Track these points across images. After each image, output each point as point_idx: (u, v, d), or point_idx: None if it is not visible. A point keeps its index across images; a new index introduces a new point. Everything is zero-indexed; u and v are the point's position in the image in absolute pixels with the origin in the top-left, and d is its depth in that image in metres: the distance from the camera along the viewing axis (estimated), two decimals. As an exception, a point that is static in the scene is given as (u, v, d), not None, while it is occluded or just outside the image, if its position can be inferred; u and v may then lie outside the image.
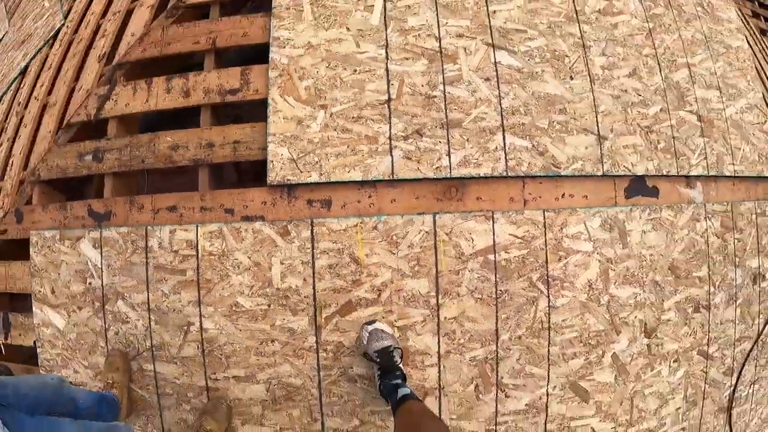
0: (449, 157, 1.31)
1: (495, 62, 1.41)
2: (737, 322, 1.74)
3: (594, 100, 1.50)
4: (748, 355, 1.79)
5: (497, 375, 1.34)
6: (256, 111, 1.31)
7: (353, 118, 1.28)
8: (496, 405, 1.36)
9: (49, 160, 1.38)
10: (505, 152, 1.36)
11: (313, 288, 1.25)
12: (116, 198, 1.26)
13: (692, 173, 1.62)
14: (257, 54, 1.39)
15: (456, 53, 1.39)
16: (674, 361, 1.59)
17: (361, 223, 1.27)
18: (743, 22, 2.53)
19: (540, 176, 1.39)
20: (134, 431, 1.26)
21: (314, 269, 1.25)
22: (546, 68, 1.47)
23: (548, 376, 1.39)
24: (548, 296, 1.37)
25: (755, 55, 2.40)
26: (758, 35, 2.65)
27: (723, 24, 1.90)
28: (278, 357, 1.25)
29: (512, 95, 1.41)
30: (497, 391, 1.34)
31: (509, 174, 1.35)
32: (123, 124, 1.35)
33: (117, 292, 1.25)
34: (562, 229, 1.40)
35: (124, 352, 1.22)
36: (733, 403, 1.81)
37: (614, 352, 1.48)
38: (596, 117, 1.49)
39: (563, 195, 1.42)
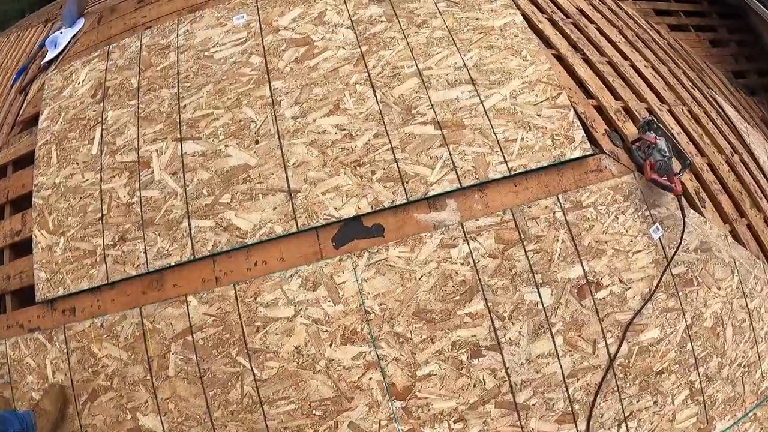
0: (146, 254, 1.46)
1: (182, 154, 1.53)
2: (560, 353, 1.32)
3: (283, 155, 1.45)
4: (599, 388, 1.31)
5: (219, 452, 1.36)
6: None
7: (80, 238, 1.57)
8: (230, 481, 1.36)
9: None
10: (191, 237, 1.44)
11: (71, 380, 1.53)
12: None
13: (433, 192, 1.37)
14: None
15: (150, 158, 1.57)
16: (456, 421, 1.30)
17: (92, 324, 1.51)
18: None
19: (227, 251, 1.41)
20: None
21: (69, 365, 1.53)
22: (230, 142, 1.51)
23: (274, 452, 1.33)
24: (252, 370, 1.34)
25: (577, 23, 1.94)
26: None
27: (480, 8, 1.58)
28: (60, 443, 1.55)
29: (196, 181, 1.50)
30: (225, 468, 1.36)
31: (196, 257, 1.42)
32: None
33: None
34: (255, 298, 1.38)
35: (64, 388, 1.56)
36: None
37: (351, 421, 1.32)
38: (285, 172, 1.43)
39: (255, 264, 1.40)
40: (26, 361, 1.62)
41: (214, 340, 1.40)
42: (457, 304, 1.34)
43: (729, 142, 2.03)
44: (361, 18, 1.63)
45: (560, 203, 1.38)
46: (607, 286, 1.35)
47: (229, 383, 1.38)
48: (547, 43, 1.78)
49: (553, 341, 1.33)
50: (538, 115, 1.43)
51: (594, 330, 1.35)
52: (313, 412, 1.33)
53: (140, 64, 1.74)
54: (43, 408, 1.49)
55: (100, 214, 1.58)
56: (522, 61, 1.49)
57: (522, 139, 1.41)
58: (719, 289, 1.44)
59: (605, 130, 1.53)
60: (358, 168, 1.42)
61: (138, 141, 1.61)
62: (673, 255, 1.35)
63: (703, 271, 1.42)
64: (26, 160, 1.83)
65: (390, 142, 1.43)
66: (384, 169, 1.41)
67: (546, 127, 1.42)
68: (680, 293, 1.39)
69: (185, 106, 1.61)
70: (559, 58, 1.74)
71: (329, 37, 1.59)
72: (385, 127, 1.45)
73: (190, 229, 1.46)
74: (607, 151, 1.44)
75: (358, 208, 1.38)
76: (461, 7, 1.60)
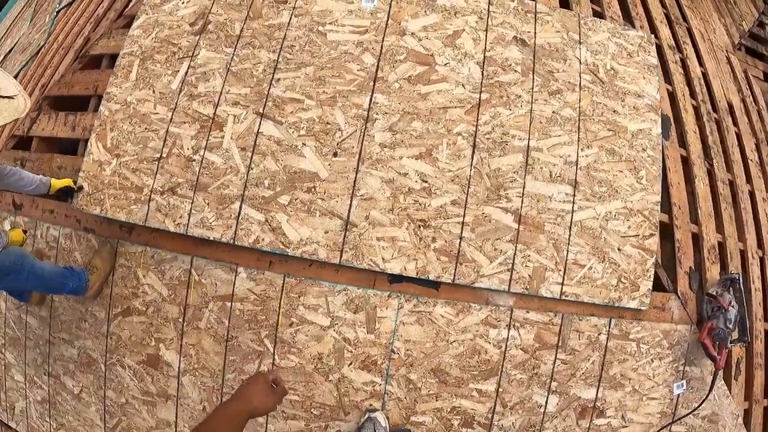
0: (189, 217, 1.49)
1: (257, 132, 1.44)
2: (535, 453, 1.53)
3: (355, 181, 1.39)
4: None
5: (222, 402, 1.61)
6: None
7: (132, 168, 1.57)
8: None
9: None
10: (237, 221, 1.45)
11: (111, 290, 1.70)
12: (26, 196, 1.90)
13: (479, 285, 1.38)
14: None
15: (225, 121, 1.48)
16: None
17: (144, 251, 1.61)
18: (742, 83, 1.63)
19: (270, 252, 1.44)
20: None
21: (113, 276, 1.69)
22: (309, 141, 1.43)
23: (266, 426, 1.57)
24: (273, 354, 1.51)
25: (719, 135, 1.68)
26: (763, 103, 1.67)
27: (624, 98, 1.36)
28: (86, 333, 1.78)
29: (261, 167, 1.45)
30: (223, 414, 1.63)
31: (236, 243, 1.46)
32: (43, 142, 1.94)
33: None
34: (299, 297, 1.48)
35: (114, 245, 1.68)
36: None
37: (339, 430, 1.55)
38: (350, 200, 1.39)
39: (311, 264, 1.47)
40: (75, 255, 1.77)
41: (249, 316, 1.53)
42: (473, 377, 1.44)
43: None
44: (495, 57, 1.40)
45: (609, 327, 1.40)
46: (608, 417, 1.45)
47: (249, 357, 1.56)
48: (682, 139, 1.60)
49: (534, 441, 1.49)
50: (619, 250, 1.36)
51: (572, 446, 1.51)
52: (312, 410, 1.53)
53: (250, 9, 1.50)
54: (95, 265, 1.60)
55: (159, 155, 1.55)
56: (635, 182, 1.35)
57: (590, 268, 1.37)
58: (701, 459, 1.54)
59: (690, 268, 1.47)
60: (422, 228, 1.39)
61: (219, 96, 1.50)
62: (680, 418, 1.42)
63: (698, 438, 1.51)
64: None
65: (463, 216, 1.38)
66: (446, 241, 1.38)
67: (619, 265, 1.36)
68: (665, 448, 1.50)
69: (279, 80, 1.46)
70: (686, 162, 1.58)
71: (453, 66, 1.38)
72: (466, 198, 1.38)
73: (239, 214, 1.47)
74: (679, 293, 1.41)
75: (404, 269, 1.39)
76: (604, 89, 1.37)
